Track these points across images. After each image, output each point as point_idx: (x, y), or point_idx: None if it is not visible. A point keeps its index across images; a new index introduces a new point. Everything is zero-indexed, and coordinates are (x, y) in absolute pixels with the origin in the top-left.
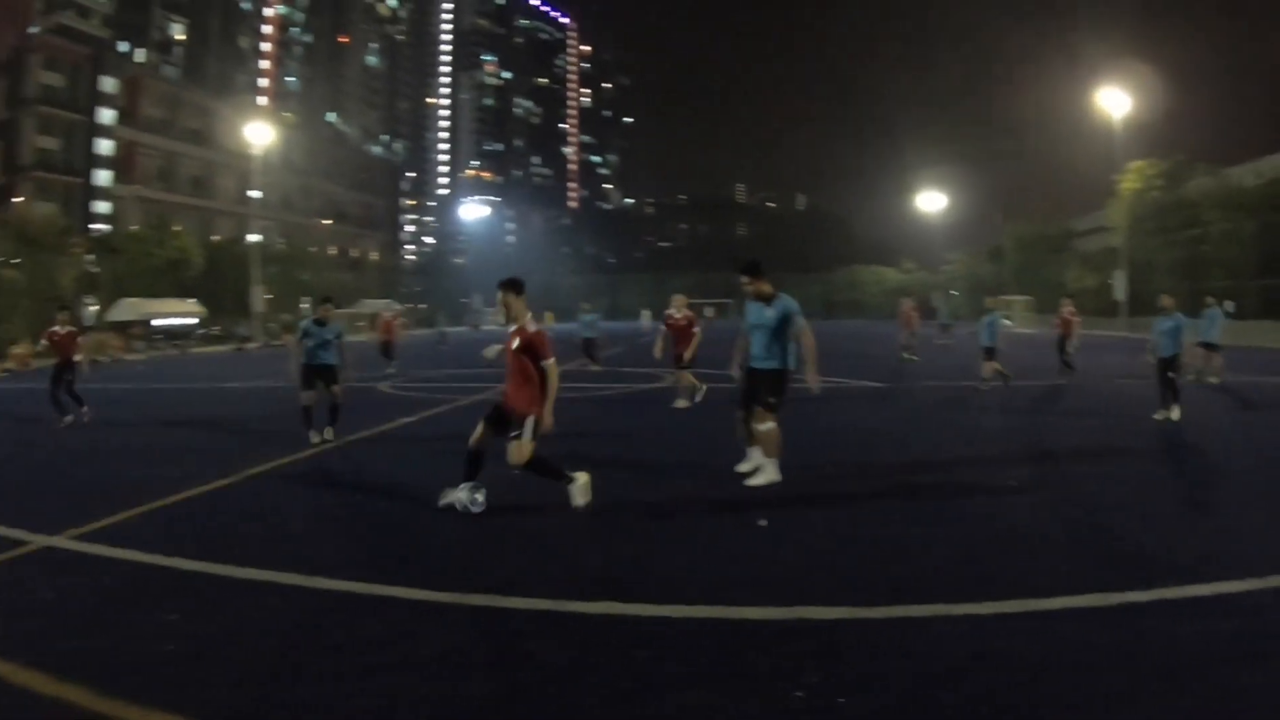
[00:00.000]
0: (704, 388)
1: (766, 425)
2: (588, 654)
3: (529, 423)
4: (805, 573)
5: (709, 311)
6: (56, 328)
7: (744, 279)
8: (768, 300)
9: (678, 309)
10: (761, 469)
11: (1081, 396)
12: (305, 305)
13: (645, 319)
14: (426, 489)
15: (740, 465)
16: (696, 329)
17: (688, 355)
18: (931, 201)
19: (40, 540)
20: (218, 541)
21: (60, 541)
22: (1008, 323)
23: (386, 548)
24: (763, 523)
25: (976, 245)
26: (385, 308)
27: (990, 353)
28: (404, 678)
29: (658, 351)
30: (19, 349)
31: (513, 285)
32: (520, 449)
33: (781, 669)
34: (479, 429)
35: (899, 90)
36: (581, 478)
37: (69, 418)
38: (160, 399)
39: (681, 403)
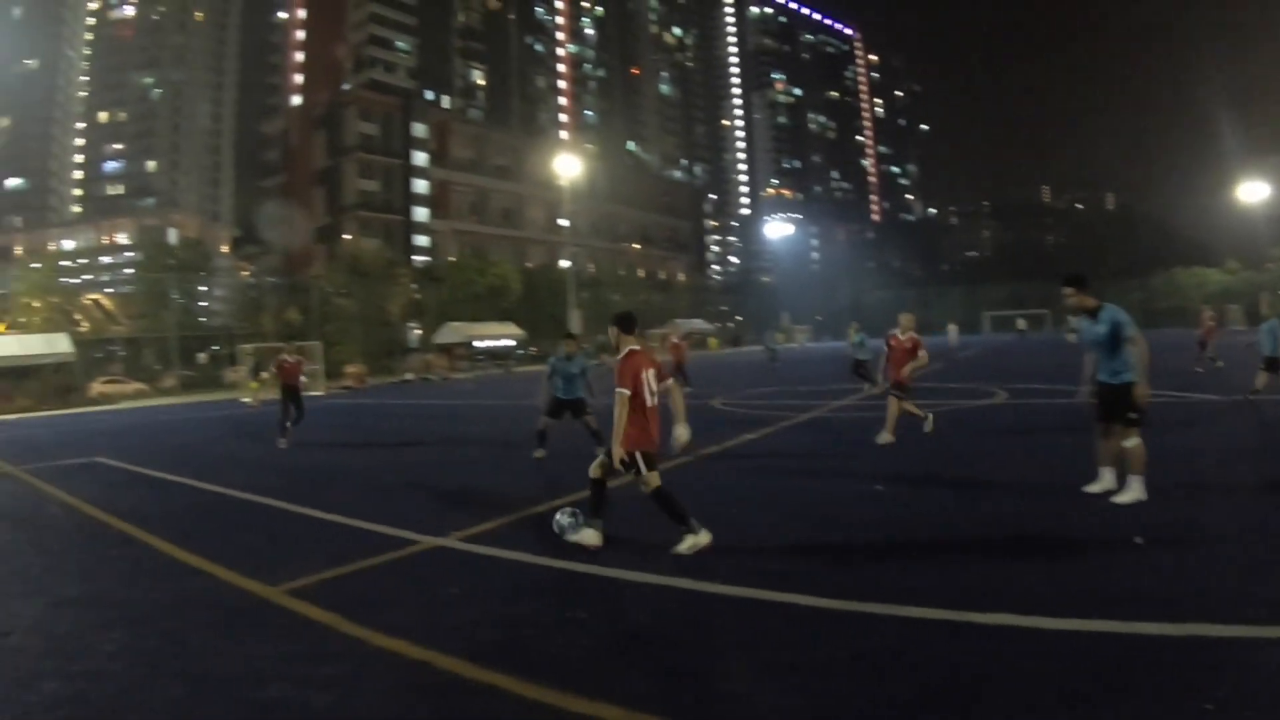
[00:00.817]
0: (930, 417)
1: (1132, 441)
2: (991, 663)
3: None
4: (1190, 589)
5: (1021, 323)
6: (285, 357)
7: (1066, 291)
8: (1093, 314)
9: (903, 330)
10: (1128, 486)
11: None
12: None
13: (952, 334)
14: (777, 501)
15: (1090, 486)
16: (922, 352)
17: (905, 374)
18: (1254, 192)
19: (429, 540)
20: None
21: (449, 542)
22: None
23: (764, 554)
24: (1139, 540)
25: None
26: (672, 329)
27: (1273, 364)
28: (824, 680)
29: (879, 375)
30: (353, 369)
31: (618, 321)
32: (645, 480)
33: (1189, 683)
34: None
35: (1210, 73)
36: (700, 539)
37: (282, 442)
38: (498, 414)
39: (885, 437)
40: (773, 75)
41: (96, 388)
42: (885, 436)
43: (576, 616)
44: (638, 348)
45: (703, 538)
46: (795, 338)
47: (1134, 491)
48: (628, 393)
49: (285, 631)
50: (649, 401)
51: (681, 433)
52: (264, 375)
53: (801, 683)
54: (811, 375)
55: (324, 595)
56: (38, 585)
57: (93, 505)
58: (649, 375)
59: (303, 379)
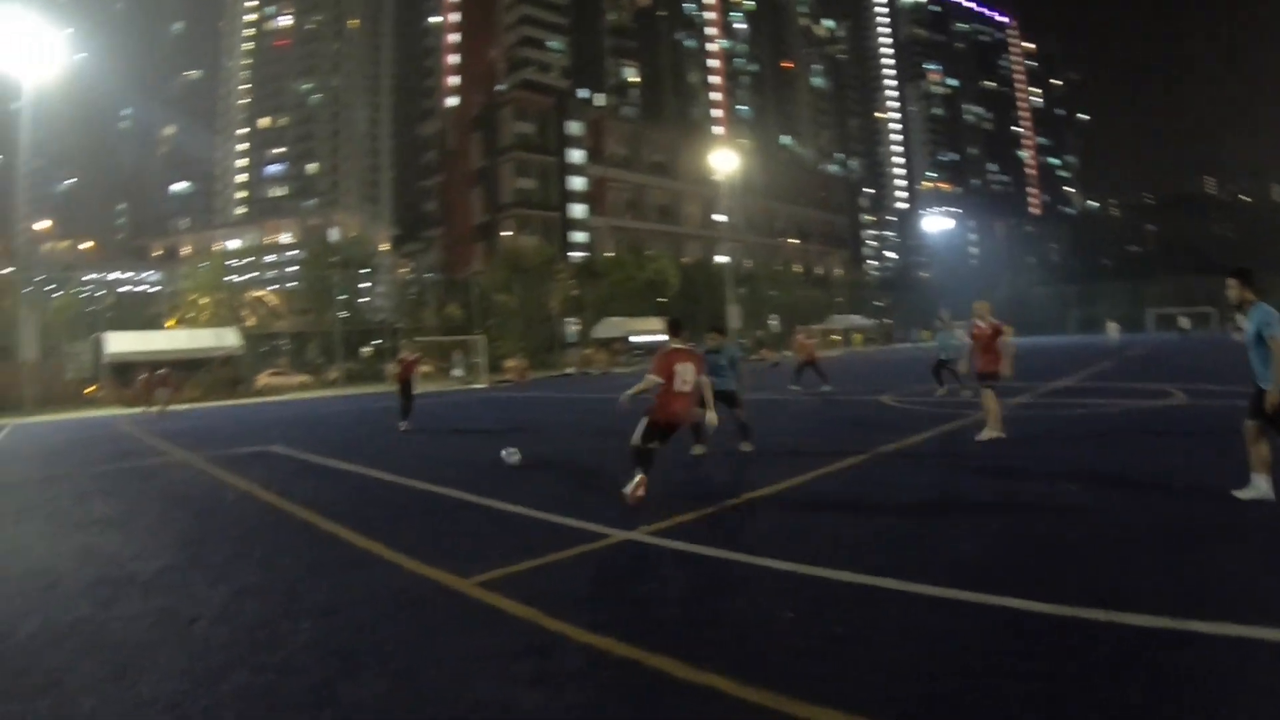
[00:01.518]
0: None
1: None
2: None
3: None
4: None
5: (1184, 321)
6: (404, 354)
7: (1230, 282)
8: (1247, 310)
9: (981, 317)
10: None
11: None
12: (773, 322)
13: (1112, 331)
14: (964, 500)
15: (1241, 491)
16: (1008, 339)
17: (1005, 369)
18: None
19: (618, 534)
20: (788, 542)
21: (639, 536)
22: None
23: (963, 554)
24: None
25: None
26: (802, 330)
27: None
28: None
29: (963, 367)
30: (513, 363)
31: (667, 325)
32: (634, 438)
33: None
34: None
35: None
36: (635, 489)
37: (403, 424)
38: None
39: (989, 433)
40: (926, 66)
41: (262, 380)
42: (990, 433)
43: (782, 615)
44: (680, 346)
45: (638, 490)
46: (954, 334)
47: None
48: (660, 380)
49: (484, 626)
50: (679, 388)
51: (712, 418)
52: (424, 370)
53: (1038, 691)
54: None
55: (518, 588)
56: (222, 573)
57: (270, 492)
58: (683, 368)
59: (419, 372)
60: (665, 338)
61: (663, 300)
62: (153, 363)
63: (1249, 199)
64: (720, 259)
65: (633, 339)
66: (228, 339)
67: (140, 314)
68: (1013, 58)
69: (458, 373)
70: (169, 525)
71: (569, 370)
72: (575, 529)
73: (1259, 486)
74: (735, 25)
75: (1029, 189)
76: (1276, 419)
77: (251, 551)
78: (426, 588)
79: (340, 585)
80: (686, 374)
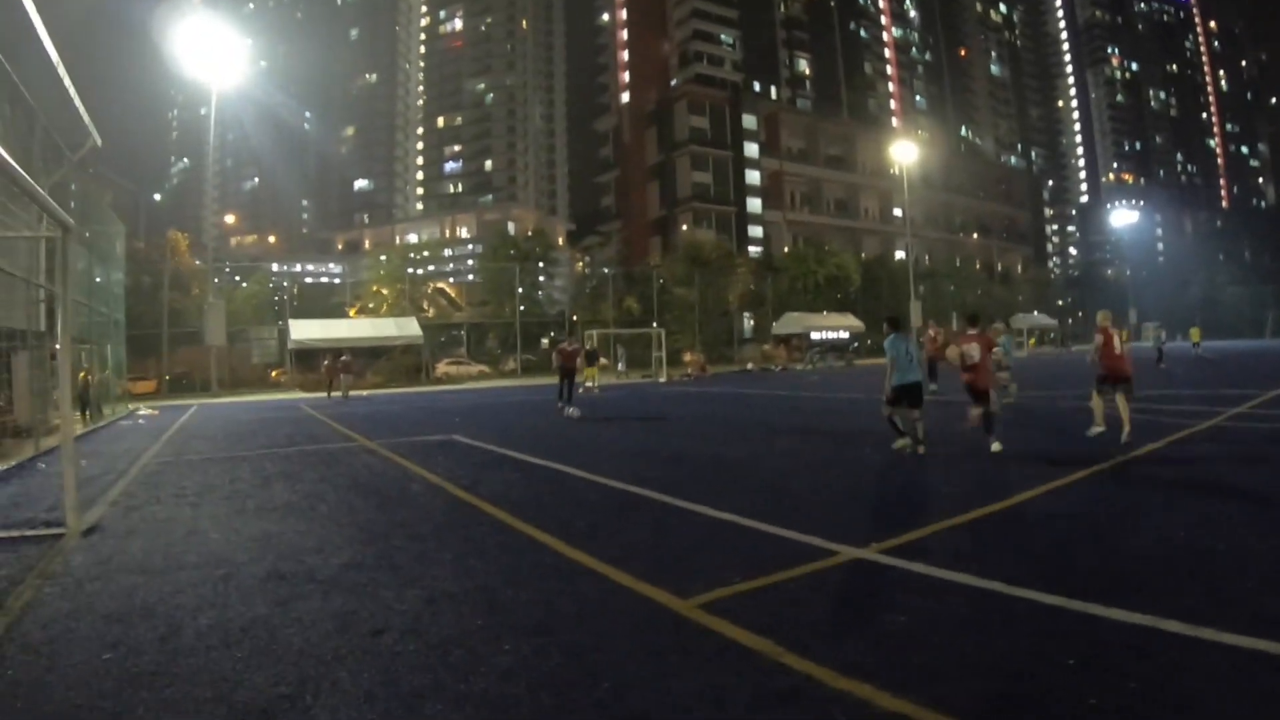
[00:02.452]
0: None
1: None
2: None
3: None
4: None
5: None
6: (564, 344)
7: None
8: None
9: (1107, 325)
10: None
11: None
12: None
13: None
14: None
15: None
16: (1116, 346)
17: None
18: None
19: (848, 551)
20: (1045, 569)
21: (870, 554)
22: None
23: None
24: None
25: None
26: (930, 325)
27: None
28: None
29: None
30: (691, 356)
31: (891, 322)
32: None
33: None
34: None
35: None
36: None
37: (571, 410)
38: (859, 409)
39: (1095, 429)
40: (1106, 50)
41: (441, 368)
42: (1096, 429)
43: (1066, 663)
44: (971, 332)
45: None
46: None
47: None
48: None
49: (716, 659)
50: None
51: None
52: (603, 361)
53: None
54: (1192, 378)
55: (747, 613)
56: (410, 575)
57: (457, 486)
58: (968, 347)
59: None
60: (890, 330)
61: (844, 296)
62: (335, 349)
63: None
64: (899, 254)
65: (812, 335)
66: (408, 328)
67: (323, 303)
68: (1197, 38)
69: (620, 367)
70: (352, 515)
71: (748, 366)
72: (797, 543)
73: None
74: (908, 13)
75: (1219, 180)
76: None
77: (442, 552)
78: (643, 608)
79: (544, 599)
80: (972, 352)
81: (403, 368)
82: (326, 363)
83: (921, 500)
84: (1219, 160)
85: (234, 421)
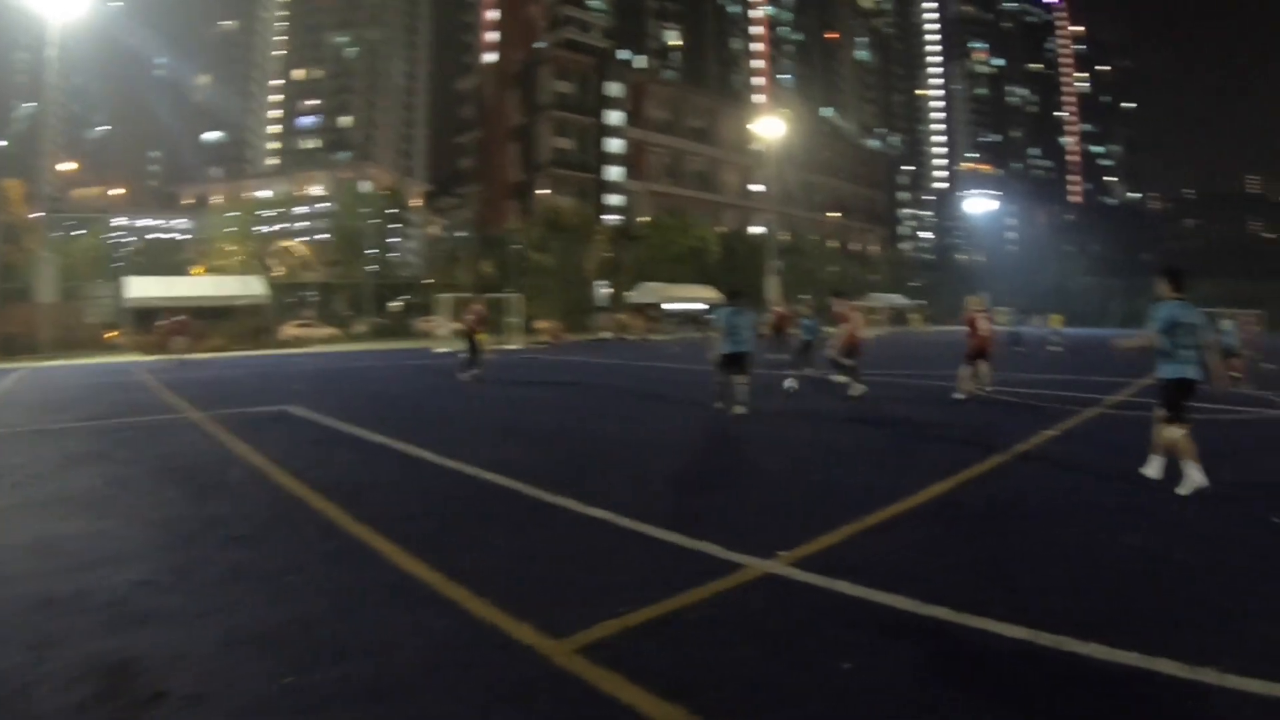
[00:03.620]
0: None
1: (1167, 432)
2: None
3: None
4: None
5: (1225, 324)
6: (472, 314)
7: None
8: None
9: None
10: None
11: None
12: (805, 297)
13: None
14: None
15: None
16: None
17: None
18: None
19: (753, 564)
20: (990, 588)
21: (782, 569)
22: None
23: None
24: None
25: None
26: (777, 301)
27: None
28: None
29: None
30: (546, 324)
31: (731, 295)
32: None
33: None
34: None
35: None
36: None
37: (468, 375)
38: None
39: (957, 395)
40: (972, 44)
41: (288, 330)
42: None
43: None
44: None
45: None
46: (998, 320)
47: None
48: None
49: None
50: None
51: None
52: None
53: None
54: (1062, 363)
55: (643, 661)
56: (212, 600)
57: (286, 472)
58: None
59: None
60: (727, 304)
61: (703, 269)
62: (174, 309)
63: None
64: (756, 229)
65: (665, 306)
66: (253, 288)
67: (169, 260)
68: (1060, 41)
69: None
70: (159, 510)
71: (604, 335)
72: (692, 552)
73: (1154, 467)
74: None
75: (1070, 176)
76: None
77: (256, 563)
78: (506, 656)
79: (377, 639)
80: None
81: (248, 330)
82: (161, 323)
83: (818, 496)
84: (1073, 158)
85: (58, 388)
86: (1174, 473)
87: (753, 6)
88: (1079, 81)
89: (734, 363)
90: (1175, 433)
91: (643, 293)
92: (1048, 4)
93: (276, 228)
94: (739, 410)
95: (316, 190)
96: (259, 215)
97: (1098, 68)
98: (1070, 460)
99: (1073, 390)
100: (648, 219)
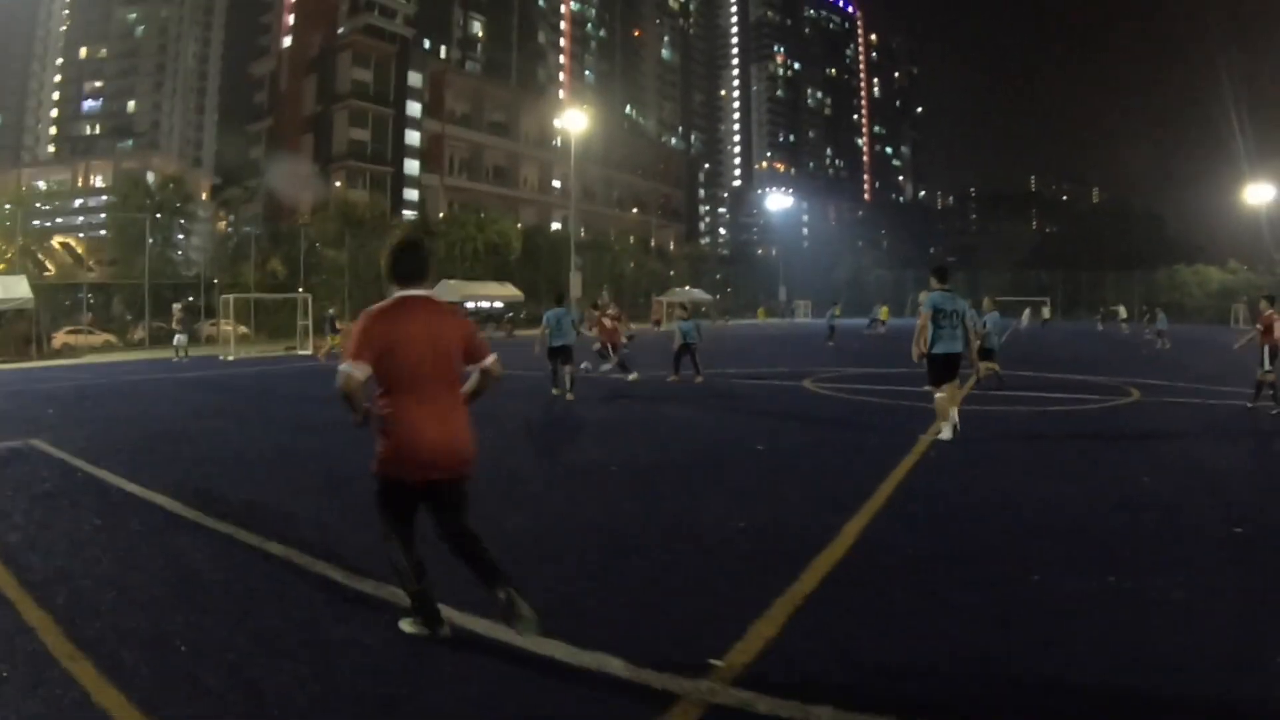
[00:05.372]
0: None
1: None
2: None
3: None
4: None
5: (1045, 311)
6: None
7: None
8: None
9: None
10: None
11: None
12: (605, 293)
13: (1025, 319)
14: None
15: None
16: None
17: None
18: (1261, 195)
19: (687, 689)
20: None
21: (726, 698)
22: None
23: None
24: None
25: None
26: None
27: None
28: None
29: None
30: (345, 325)
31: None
32: None
33: None
34: None
35: (1220, 73)
36: None
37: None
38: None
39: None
40: (773, 48)
41: (60, 339)
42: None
43: None
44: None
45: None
46: (797, 312)
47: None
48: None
49: None
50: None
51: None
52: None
53: None
54: (865, 353)
55: None
56: None
57: None
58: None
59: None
60: (555, 306)
61: (502, 265)
62: None
63: (1067, 198)
64: (556, 225)
65: (467, 304)
66: (17, 289)
67: None
68: (858, 48)
69: (180, 339)
70: None
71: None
72: (590, 676)
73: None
74: None
75: (863, 175)
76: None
77: None
78: None
79: None
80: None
81: (13, 338)
82: None
83: (720, 552)
84: (865, 158)
85: None
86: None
87: (560, 1)
88: (873, 87)
89: (560, 354)
90: (940, 395)
91: (441, 291)
92: (848, 13)
93: (53, 222)
94: (570, 396)
95: (98, 182)
96: (35, 208)
97: (892, 74)
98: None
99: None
100: (443, 214)
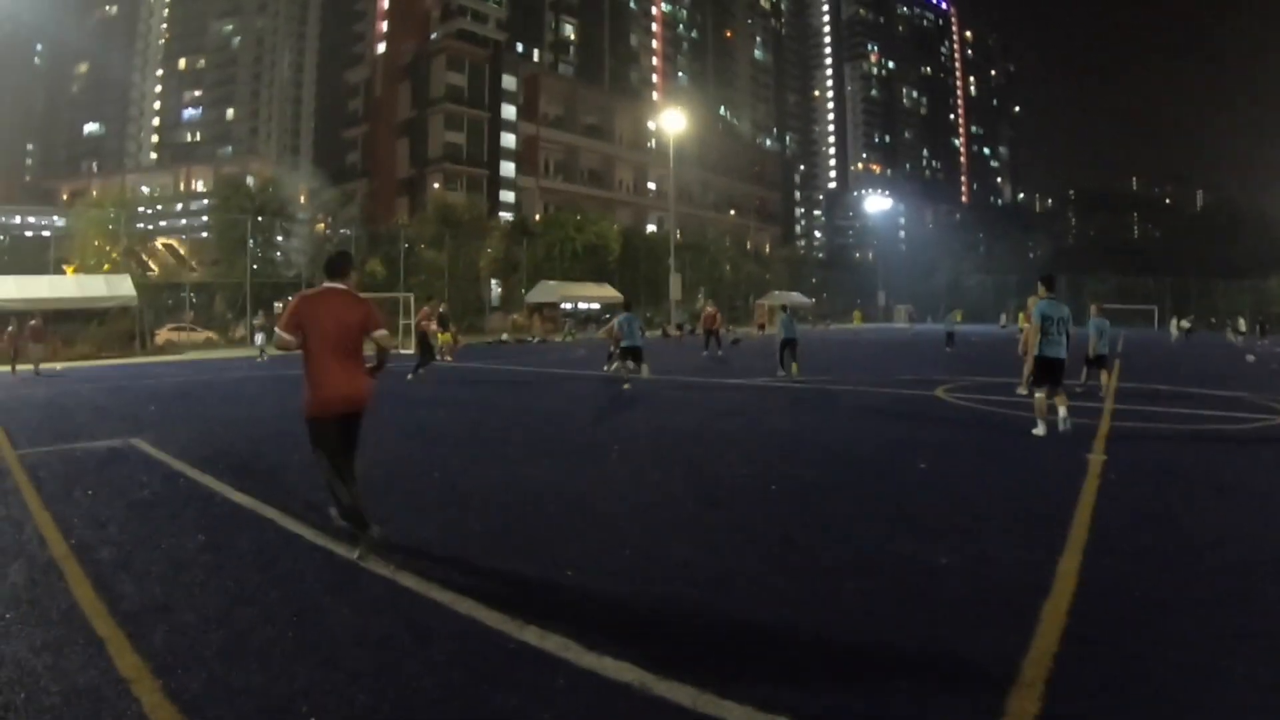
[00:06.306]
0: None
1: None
2: None
3: None
4: None
5: (1185, 322)
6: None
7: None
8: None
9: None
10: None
11: None
12: (701, 294)
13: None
14: None
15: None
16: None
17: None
18: None
19: None
20: None
21: None
22: None
23: None
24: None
25: None
26: (709, 302)
27: None
28: None
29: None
30: (438, 329)
31: (625, 304)
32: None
33: None
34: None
35: None
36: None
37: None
38: (666, 395)
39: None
40: (866, 47)
41: (163, 336)
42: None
43: None
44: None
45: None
46: (898, 317)
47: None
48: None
49: None
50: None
51: None
52: (452, 327)
53: None
54: (986, 360)
55: None
56: None
57: (87, 563)
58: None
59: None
60: (625, 311)
61: (601, 266)
62: (27, 312)
63: (1170, 201)
64: (651, 227)
65: (564, 305)
66: (120, 288)
67: (38, 259)
68: (953, 45)
69: (260, 339)
70: None
71: (503, 337)
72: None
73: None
74: None
75: (960, 177)
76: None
77: None
78: None
79: None
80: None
81: (117, 335)
82: (10, 330)
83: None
84: (962, 159)
85: None
86: None
87: (651, 3)
88: (969, 85)
89: (631, 353)
90: (1040, 397)
91: (540, 291)
92: (940, 10)
93: (157, 225)
94: (626, 386)
95: (200, 186)
96: (138, 211)
97: (989, 72)
98: None
99: None
100: (539, 216)
